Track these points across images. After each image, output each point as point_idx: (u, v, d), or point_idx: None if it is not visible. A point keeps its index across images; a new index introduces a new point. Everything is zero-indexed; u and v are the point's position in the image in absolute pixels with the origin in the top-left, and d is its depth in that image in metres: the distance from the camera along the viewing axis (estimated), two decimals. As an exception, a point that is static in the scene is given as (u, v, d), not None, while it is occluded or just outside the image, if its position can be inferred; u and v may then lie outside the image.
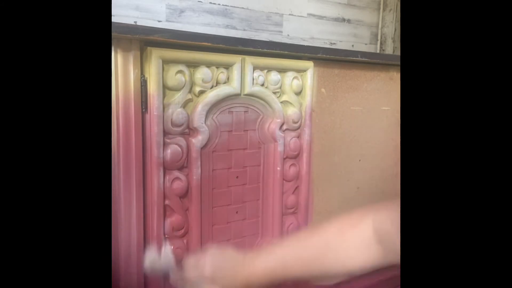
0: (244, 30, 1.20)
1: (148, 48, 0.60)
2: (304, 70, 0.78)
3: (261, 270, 0.52)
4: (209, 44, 0.64)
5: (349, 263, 0.48)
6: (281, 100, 0.76)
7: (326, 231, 0.50)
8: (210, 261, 0.54)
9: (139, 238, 0.64)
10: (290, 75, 0.76)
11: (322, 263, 0.49)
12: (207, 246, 0.57)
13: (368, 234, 0.47)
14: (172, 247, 0.63)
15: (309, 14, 1.34)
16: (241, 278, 0.53)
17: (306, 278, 0.52)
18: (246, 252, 0.55)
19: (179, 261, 0.57)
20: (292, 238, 0.55)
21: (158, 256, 0.57)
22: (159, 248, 0.59)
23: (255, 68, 0.71)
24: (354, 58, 0.82)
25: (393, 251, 0.44)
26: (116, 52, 0.58)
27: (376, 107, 0.93)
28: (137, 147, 0.61)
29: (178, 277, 0.56)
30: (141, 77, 0.60)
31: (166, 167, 0.64)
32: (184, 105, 0.65)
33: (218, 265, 0.54)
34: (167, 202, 0.65)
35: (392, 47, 1.54)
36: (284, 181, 0.79)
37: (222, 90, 0.67)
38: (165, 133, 0.63)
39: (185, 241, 0.68)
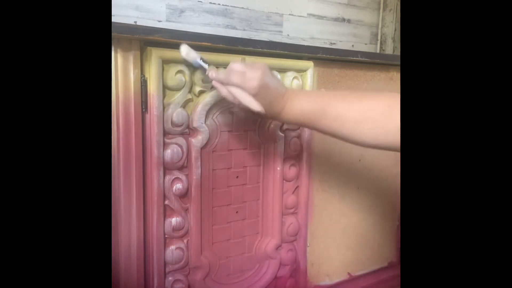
0: (244, 30, 1.20)
1: (148, 48, 0.60)
2: (304, 70, 0.78)
3: (296, 110, 0.55)
4: (209, 44, 0.63)
5: (391, 138, 0.49)
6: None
7: (377, 101, 0.51)
8: (260, 76, 0.54)
9: (139, 238, 0.64)
10: (290, 75, 0.76)
11: (367, 129, 0.50)
12: (258, 64, 0.57)
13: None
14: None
15: (309, 14, 1.34)
16: (280, 108, 0.55)
17: (338, 136, 0.54)
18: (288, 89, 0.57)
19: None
20: (339, 96, 0.55)
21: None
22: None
23: (255, 68, 0.71)
24: (354, 58, 0.82)
25: None
26: (116, 52, 0.58)
27: (376, 107, 0.93)
28: (137, 147, 0.61)
29: (219, 78, 0.57)
30: (141, 77, 0.60)
31: (166, 167, 0.64)
32: (184, 105, 0.65)
33: (266, 84, 0.55)
34: (167, 202, 0.65)
35: (392, 47, 1.54)
36: (284, 181, 0.79)
37: (222, 90, 0.67)
38: (165, 133, 0.63)
39: (185, 241, 0.68)
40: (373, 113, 0.50)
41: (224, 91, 0.58)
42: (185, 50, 0.60)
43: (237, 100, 0.56)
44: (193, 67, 0.64)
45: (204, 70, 0.61)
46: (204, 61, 0.60)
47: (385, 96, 0.52)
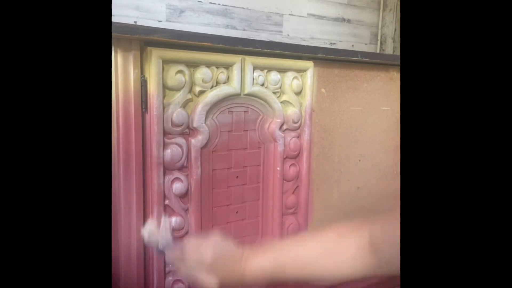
0: (244, 30, 1.20)
1: (148, 48, 0.60)
2: (304, 70, 0.78)
3: (258, 267, 0.52)
4: (209, 44, 0.64)
5: (344, 269, 0.49)
6: (281, 100, 0.76)
7: (325, 236, 0.51)
8: (212, 248, 0.53)
9: (139, 238, 0.64)
10: (290, 75, 0.76)
11: (319, 267, 0.50)
12: (209, 231, 0.56)
13: (364, 244, 0.47)
14: (171, 223, 0.62)
15: (309, 14, 1.34)
16: (238, 273, 0.53)
17: (301, 280, 0.52)
18: (245, 248, 0.55)
19: (177, 239, 0.55)
20: (292, 239, 0.55)
21: (157, 229, 0.55)
22: (159, 222, 0.56)
23: (255, 68, 0.71)
24: (354, 58, 0.82)
25: (386, 263, 0.45)
26: (116, 52, 0.58)
27: (376, 107, 0.93)
28: (137, 147, 0.61)
29: (175, 256, 0.55)
30: (141, 77, 0.60)
31: (166, 167, 0.64)
32: (184, 105, 0.65)
33: (218, 254, 0.53)
34: (167, 202, 0.65)
35: (392, 47, 1.54)
36: (284, 181, 0.79)
37: (222, 90, 0.67)
38: (165, 133, 0.63)
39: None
40: (331, 248, 0.50)
41: (184, 270, 0.55)
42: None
43: (191, 279, 0.54)
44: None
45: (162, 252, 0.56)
46: (163, 243, 0.56)
47: (335, 227, 0.51)
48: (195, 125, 0.65)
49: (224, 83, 0.68)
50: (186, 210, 0.68)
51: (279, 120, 0.75)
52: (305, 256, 0.51)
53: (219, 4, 1.15)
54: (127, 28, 0.56)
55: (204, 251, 0.53)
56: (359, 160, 0.93)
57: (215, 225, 0.72)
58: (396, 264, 0.37)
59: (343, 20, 1.43)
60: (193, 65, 0.64)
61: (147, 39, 0.59)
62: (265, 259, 0.53)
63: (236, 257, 0.54)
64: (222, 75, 0.67)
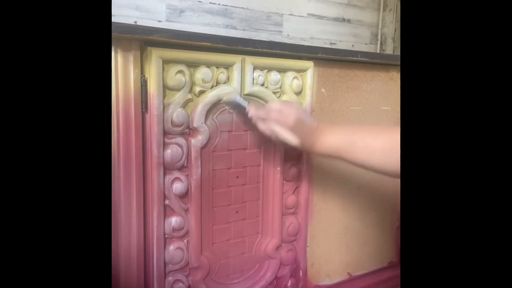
0: (244, 30, 1.20)
1: (148, 48, 0.60)
2: (304, 70, 0.78)
3: (329, 142, 0.61)
4: (209, 44, 0.64)
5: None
6: (281, 100, 0.76)
7: (395, 132, 0.55)
8: (296, 113, 0.62)
9: (139, 238, 0.64)
10: (290, 75, 0.76)
11: (385, 158, 0.54)
12: (294, 103, 0.66)
13: None
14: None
15: (309, 14, 1.34)
16: (310, 142, 0.62)
17: (365, 166, 0.58)
18: (321, 123, 0.64)
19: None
20: (367, 129, 0.61)
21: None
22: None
23: (255, 68, 0.71)
24: (354, 58, 0.82)
25: None
26: (116, 52, 0.58)
27: (376, 107, 0.93)
28: (137, 147, 0.61)
29: (258, 114, 0.63)
30: (141, 77, 0.60)
31: (166, 167, 0.64)
32: (184, 105, 0.65)
33: (301, 119, 0.62)
34: (167, 202, 0.65)
35: (392, 47, 1.54)
36: (284, 181, 0.79)
37: (222, 90, 0.67)
38: (165, 133, 0.63)
39: (185, 241, 0.68)
40: (398, 144, 0.54)
41: (262, 126, 0.64)
42: (226, 97, 0.66)
43: (275, 134, 0.63)
44: (232, 106, 0.68)
45: (243, 108, 0.66)
46: (243, 99, 0.67)
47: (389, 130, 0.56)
48: (195, 125, 0.65)
49: (224, 83, 0.68)
50: (186, 210, 0.68)
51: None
52: (375, 145, 0.56)
53: (219, 4, 1.15)
54: (127, 28, 0.56)
55: (288, 114, 0.61)
56: (359, 160, 0.93)
57: (215, 225, 0.72)
58: None
59: (343, 20, 1.43)
60: (193, 65, 0.64)
61: (147, 39, 0.59)
62: (337, 137, 0.61)
63: (312, 128, 0.62)
64: (222, 75, 0.67)
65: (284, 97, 0.76)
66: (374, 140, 0.57)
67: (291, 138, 0.62)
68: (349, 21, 1.45)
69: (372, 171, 0.58)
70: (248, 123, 0.68)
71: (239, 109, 0.68)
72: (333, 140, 0.61)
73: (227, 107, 0.68)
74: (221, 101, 0.67)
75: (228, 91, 0.68)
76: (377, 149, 0.56)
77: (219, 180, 0.71)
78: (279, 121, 0.62)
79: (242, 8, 1.19)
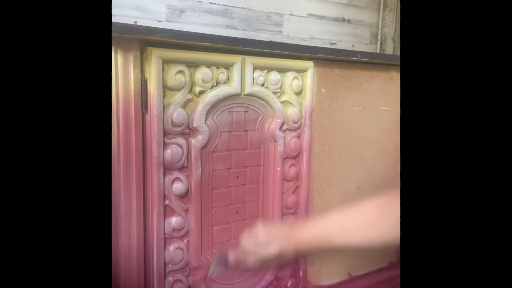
0: (244, 30, 1.20)
1: (148, 48, 0.60)
2: (304, 70, 0.78)
3: (308, 237, 0.58)
4: (209, 44, 0.64)
5: (386, 236, 0.52)
6: (281, 100, 0.76)
7: (367, 206, 0.55)
8: (262, 232, 0.60)
9: (139, 238, 0.64)
10: (290, 75, 0.76)
11: (362, 234, 0.54)
12: (255, 223, 0.63)
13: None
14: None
15: (309, 14, 1.34)
16: (291, 244, 0.59)
17: (346, 248, 0.57)
18: (292, 223, 0.63)
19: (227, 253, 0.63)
20: (336, 211, 0.59)
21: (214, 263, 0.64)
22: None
23: (255, 68, 0.71)
24: (354, 58, 0.82)
25: None
26: (116, 52, 0.58)
27: (376, 107, 0.93)
28: (137, 147, 0.61)
29: (238, 258, 0.62)
30: (141, 77, 0.60)
31: (166, 167, 0.64)
32: (184, 105, 0.65)
33: (269, 234, 0.60)
34: (167, 202, 0.66)
35: (392, 47, 1.54)
36: (284, 181, 0.79)
37: (222, 90, 0.67)
38: (165, 133, 0.63)
39: (185, 241, 0.68)
40: (373, 213, 0.54)
41: (251, 260, 0.61)
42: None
43: (260, 260, 0.60)
44: None
45: (223, 264, 0.64)
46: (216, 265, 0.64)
47: (376, 198, 0.56)
48: (195, 125, 0.65)
49: (224, 83, 0.68)
50: (186, 210, 0.68)
51: (279, 120, 0.75)
52: (350, 225, 0.55)
53: (219, 4, 1.15)
54: (127, 28, 0.56)
55: (256, 237, 0.60)
56: (359, 160, 0.93)
57: (215, 225, 0.72)
58: None
59: (343, 20, 1.43)
60: (193, 65, 0.64)
61: (147, 39, 0.59)
62: (314, 229, 0.59)
63: (287, 232, 0.60)
64: (222, 75, 0.67)
65: (284, 97, 0.76)
66: (347, 219, 0.56)
67: (270, 247, 0.59)
68: (349, 21, 1.45)
69: (359, 250, 0.58)
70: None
71: (223, 266, 0.65)
72: (309, 234, 0.58)
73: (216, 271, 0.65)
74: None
75: (228, 91, 0.68)
76: (354, 227, 0.55)
77: (219, 180, 0.71)
78: (256, 249, 0.59)
79: (242, 8, 1.19)
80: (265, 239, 0.59)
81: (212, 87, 0.67)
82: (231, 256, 0.63)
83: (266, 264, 0.62)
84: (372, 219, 0.53)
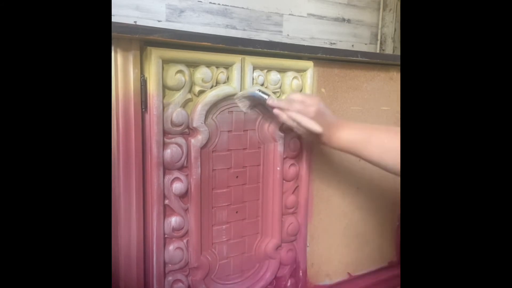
0: (244, 30, 1.20)
1: (148, 48, 0.60)
2: (304, 70, 0.78)
3: (345, 138, 0.64)
4: (209, 44, 0.63)
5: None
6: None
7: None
8: (317, 104, 0.65)
9: (138, 238, 0.64)
10: (290, 75, 0.76)
11: (398, 158, 0.55)
12: (314, 96, 0.70)
13: None
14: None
15: (309, 14, 1.34)
16: (330, 134, 0.65)
17: (380, 164, 0.61)
18: (339, 119, 0.67)
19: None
20: (383, 128, 0.63)
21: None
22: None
23: (255, 68, 0.71)
24: (354, 58, 0.82)
25: None
26: (116, 52, 0.58)
27: (376, 107, 0.93)
28: (137, 147, 0.61)
29: (280, 104, 0.66)
30: (141, 77, 0.60)
31: (166, 167, 0.64)
32: (184, 105, 0.65)
33: (322, 111, 0.65)
34: (167, 202, 0.65)
35: (392, 47, 1.54)
36: (284, 181, 0.79)
37: (222, 90, 0.67)
38: (165, 133, 0.63)
39: (185, 241, 0.68)
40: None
41: (284, 116, 0.67)
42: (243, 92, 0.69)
43: (296, 123, 0.66)
44: (251, 99, 0.70)
45: (263, 99, 0.68)
46: (262, 92, 0.69)
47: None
48: (195, 125, 0.65)
49: (224, 83, 0.68)
50: (186, 210, 0.68)
51: (279, 120, 0.75)
52: (390, 144, 0.58)
53: (219, 4, 1.15)
54: (127, 28, 0.56)
55: (309, 104, 0.65)
56: (359, 160, 0.92)
57: (215, 225, 0.72)
58: None
59: (343, 20, 1.43)
60: (193, 65, 0.64)
61: (147, 39, 0.59)
62: (354, 133, 0.63)
63: (331, 121, 0.65)
64: (222, 75, 0.67)
65: (284, 97, 0.76)
66: (389, 140, 0.59)
67: (315, 126, 0.64)
68: (349, 21, 1.45)
69: (385, 170, 0.60)
70: (266, 115, 0.71)
71: (257, 101, 0.70)
72: (350, 135, 0.64)
73: (241, 101, 0.69)
74: (237, 95, 0.69)
75: (228, 91, 0.68)
76: (392, 149, 0.57)
77: (219, 180, 0.71)
78: (301, 111, 0.65)
79: (242, 8, 1.19)
80: (313, 114, 0.64)
81: (211, 87, 0.67)
82: (274, 99, 0.67)
83: (297, 130, 0.67)
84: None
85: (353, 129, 0.64)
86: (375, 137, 0.61)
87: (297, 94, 0.67)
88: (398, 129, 0.60)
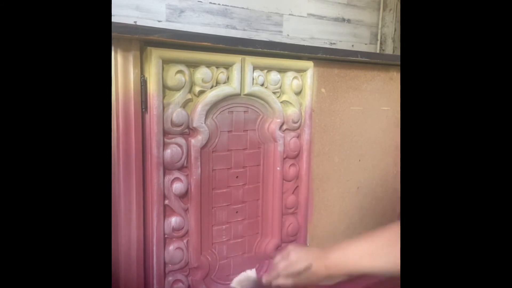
0: (244, 30, 1.20)
1: (148, 48, 0.60)
2: (304, 70, 0.78)
3: (335, 263, 0.63)
4: (209, 44, 0.63)
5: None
6: (281, 100, 0.76)
7: (388, 233, 0.60)
8: (294, 258, 0.65)
9: (139, 238, 0.64)
10: (290, 75, 0.76)
11: (387, 261, 0.58)
12: (286, 247, 0.69)
13: None
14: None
15: (309, 14, 1.34)
16: (320, 270, 0.64)
17: (371, 273, 0.62)
18: (321, 249, 0.66)
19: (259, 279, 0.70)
20: (364, 237, 0.64)
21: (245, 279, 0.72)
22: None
23: (255, 68, 0.71)
24: (354, 58, 0.82)
25: None
26: (116, 52, 0.58)
27: (376, 107, 0.93)
28: (137, 147, 0.61)
29: (270, 279, 0.67)
30: (141, 77, 0.60)
31: (166, 167, 0.64)
32: (184, 105, 0.65)
33: (300, 255, 0.65)
34: (167, 202, 0.65)
35: (392, 47, 1.54)
36: (284, 181, 0.79)
37: (222, 90, 0.67)
38: (165, 133, 0.63)
39: (185, 241, 0.68)
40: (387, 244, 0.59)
41: (281, 281, 0.67)
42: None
43: (294, 277, 0.65)
44: None
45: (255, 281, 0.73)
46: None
47: (385, 230, 0.61)
48: (195, 125, 0.65)
49: (224, 83, 0.68)
50: (186, 210, 0.68)
51: (279, 120, 0.75)
52: (375, 251, 0.60)
53: (219, 4, 1.15)
54: (127, 28, 0.56)
55: (290, 264, 0.65)
56: (359, 160, 0.93)
57: (215, 225, 0.72)
58: None
59: (343, 20, 1.43)
60: (193, 65, 0.64)
61: (147, 39, 0.59)
62: (341, 255, 0.64)
63: (316, 258, 0.65)
64: (222, 75, 0.67)
65: (284, 97, 0.76)
66: (371, 246, 0.61)
67: (303, 265, 0.64)
68: (349, 21, 1.45)
69: (383, 275, 0.62)
70: None
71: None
72: (337, 258, 0.64)
73: None
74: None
75: (228, 91, 0.68)
76: (376, 255, 0.60)
77: (219, 180, 0.71)
78: (288, 268, 0.65)
79: (242, 8, 1.19)
80: (295, 259, 0.65)
81: (212, 87, 0.67)
82: (264, 278, 0.68)
83: (296, 282, 0.66)
84: (391, 246, 0.57)
85: (335, 251, 0.64)
86: (358, 250, 0.62)
87: (276, 258, 0.68)
88: (370, 235, 0.62)
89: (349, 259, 0.63)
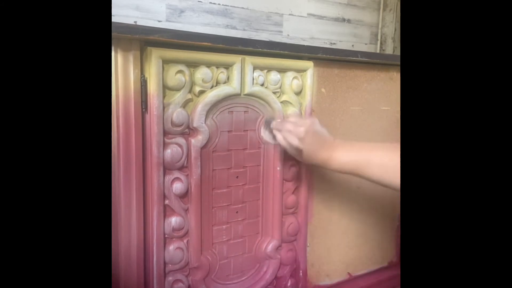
0: (244, 30, 1.20)
1: (148, 48, 0.60)
2: (304, 70, 0.78)
3: (344, 158, 0.63)
4: (209, 44, 0.63)
5: None
6: (281, 100, 0.76)
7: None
8: (308, 125, 0.66)
9: (139, 238, 0.64)
10: (290, 75, 0.76)
11: (395, 176, 0.56)
12: (309, 117, 0.73)
13: None
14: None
15: (309, 14, 1.34)
16: (325, 156, 0.65)
17: (381, 182, 0.60)
18: (337, 139, 0.67)
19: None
20: (381, 145, 0.63)
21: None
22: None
23: (255, 68, 0.71)
24: (354, 58, 0.82)
25: None
26: (116, 52, 0.58)
27: (376, 107, 0.93)
28: (137, 147, 0.61)
29: (276, 126, 0.70)
30: (141, 77, 0.60)
31: (166, 167, 0.64)
32: (184, 105, 0.65)
33: (313, 132, 0.66)
34: (167, 202, 0.65)
35: (392, 47, 1.54)
36: (284, 181, 0.79)
37: (222, 90, 0.67)
38: (165, 133, 0.63)
39: (185, 241, 0.68)
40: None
41: (279, 136, 0.70)
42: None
43: (287, 142, 0.68)
44: None
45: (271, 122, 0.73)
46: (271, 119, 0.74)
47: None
48: (195, 125, 0.65)
49: (224, 83, 0.68)
50: (186, 210, 0.68)
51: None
52: (391, 162, 0.58)
53: (219, 4, 1.15)
54: (127, 28, 0.56)
55: (300, 125, 0.66)
56: (359, 160, 0.92)
57: (215, 225, 0.72)
58: None
59: (343, 20, 1.43)
60: (193, 65, 0.64)
61: (147, 39, 0.59)
62: (353, 154, 0.63)
63: (327, 142, 0.66)
64: (222, 75, 0.67)
65: (284, 97, 0.76)
66: (390, 158, 0.58)
67: (294, 141, 0.66)
68: (349, 21, 1.45)
69: (387, 187, 0.60)
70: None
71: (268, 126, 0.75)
72: (349, 156, 0.64)
73: (264, 133, 0.75)
74: (262, 130, 0.75)
75: (228, 91, 0.68)
76: (393, 167, 0.57)
77: (219, 180, 0.71)
78: (292, 132, 0.66)
79: (242, 8, 1.19)
80: (302, 134, 0.65)
81: (212, 87, 0.67)
82: (273, 124, 0.71)
83: (290, 150, 0.68)
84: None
85: (351, 150, 0.64)
86: (375, 156, 0.60)
87: (292, 116, 0.70)
88: (397, 145, 0.61)
89: (357, 162, 0.62)
